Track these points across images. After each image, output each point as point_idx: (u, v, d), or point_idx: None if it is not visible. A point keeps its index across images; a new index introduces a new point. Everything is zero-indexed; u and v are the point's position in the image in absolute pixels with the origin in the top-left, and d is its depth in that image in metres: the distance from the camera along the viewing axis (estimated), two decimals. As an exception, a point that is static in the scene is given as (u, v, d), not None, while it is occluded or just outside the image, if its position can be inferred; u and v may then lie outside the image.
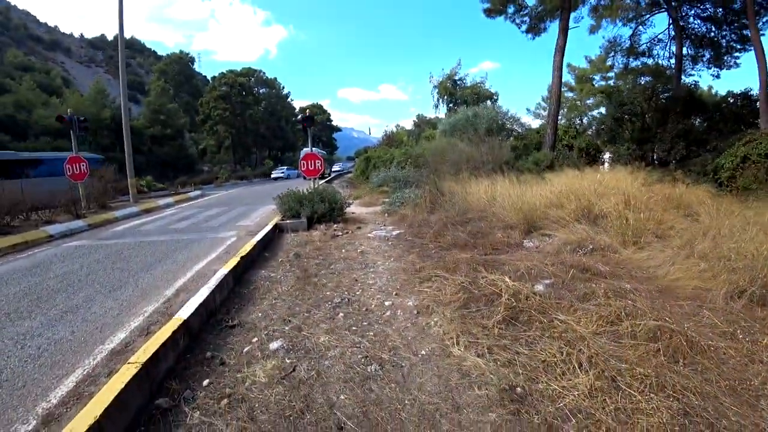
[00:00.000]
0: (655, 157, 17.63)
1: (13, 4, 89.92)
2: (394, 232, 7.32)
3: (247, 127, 48.13)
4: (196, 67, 72.03)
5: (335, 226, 8.01)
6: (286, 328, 3.51)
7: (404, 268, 5.12)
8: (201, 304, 3.55)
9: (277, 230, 7.79)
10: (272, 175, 39.55)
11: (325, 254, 6.04)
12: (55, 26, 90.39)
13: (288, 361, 2.95)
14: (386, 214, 9.86)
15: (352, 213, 9.84)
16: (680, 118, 16.81)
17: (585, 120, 33.33)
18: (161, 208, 13.75)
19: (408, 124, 44.95)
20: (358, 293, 4.35)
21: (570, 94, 36.98)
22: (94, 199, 12.30)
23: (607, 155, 18.13)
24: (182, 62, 54.50)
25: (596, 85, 34.80)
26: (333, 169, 44.33)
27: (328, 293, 4.37)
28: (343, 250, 6.29)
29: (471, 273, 4.38)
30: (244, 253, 5.28)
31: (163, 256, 6.49)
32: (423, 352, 3.01)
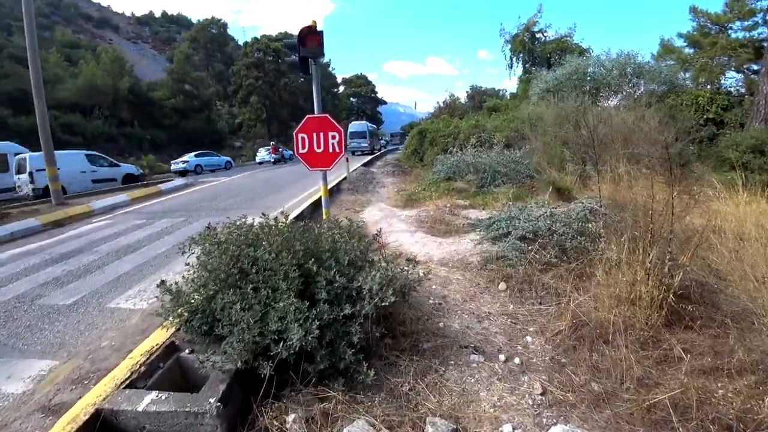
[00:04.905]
0: None
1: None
2: None
3: (283, 98, 42.76)
4: (240, 41, 67.35)
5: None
6: None
7: None
8: None
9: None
10: (257, 159, 26.98)
11: None
12: (108, 5, 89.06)
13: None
14: (507, 290, 3.65)
15: (407, 260, 3.64)
16: None
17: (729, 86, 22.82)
18: (93, 215, 8.40)
19: (460, 97, 36.97)
20: None
21: (690, 51, 25.58)
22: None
23: None
24: (215, 28, 49.78)
25: (733, 38, 23.06)
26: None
27: None
28: None
29: None
30: None
31: None
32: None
